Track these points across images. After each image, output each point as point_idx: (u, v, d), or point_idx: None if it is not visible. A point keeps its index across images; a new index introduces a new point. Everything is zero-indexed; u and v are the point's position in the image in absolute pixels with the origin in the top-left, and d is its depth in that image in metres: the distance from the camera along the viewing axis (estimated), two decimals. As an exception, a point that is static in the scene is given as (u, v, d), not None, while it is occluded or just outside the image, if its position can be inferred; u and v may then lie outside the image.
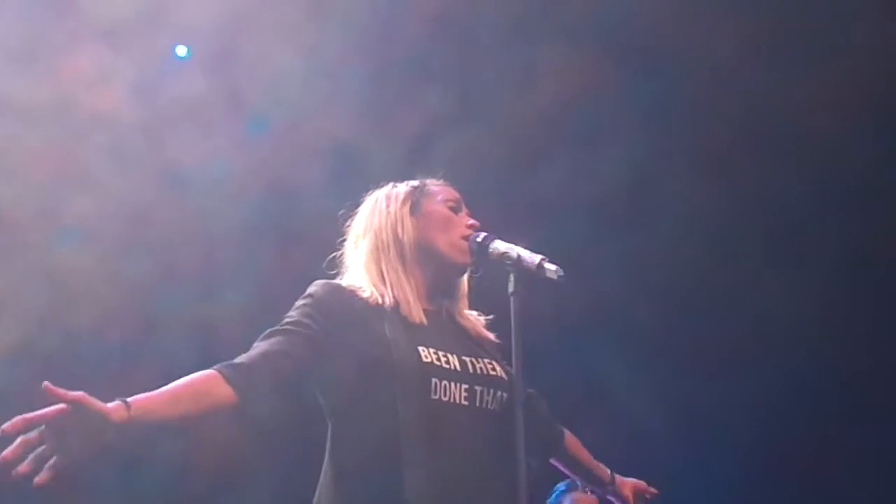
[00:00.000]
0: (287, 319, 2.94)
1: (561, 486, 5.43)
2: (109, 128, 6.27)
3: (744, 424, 7.03)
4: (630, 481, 3.53)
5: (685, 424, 6.99)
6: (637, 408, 6.73)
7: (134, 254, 6.43)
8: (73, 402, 2.48)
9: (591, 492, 5.38)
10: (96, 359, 6.49)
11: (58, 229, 6.32)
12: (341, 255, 3.20)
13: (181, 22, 6.27)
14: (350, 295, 3.00)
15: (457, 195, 3.20)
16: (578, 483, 5.35)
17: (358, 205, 3.22)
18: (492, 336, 3.17)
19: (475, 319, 3.18)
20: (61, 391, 2.47)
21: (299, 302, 2.98)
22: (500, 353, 3.13)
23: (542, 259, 2.93)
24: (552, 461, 3.41)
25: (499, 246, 3.00)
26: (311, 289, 3.01)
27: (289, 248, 6.47)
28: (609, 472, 3.49)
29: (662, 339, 6.93)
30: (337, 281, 3.10)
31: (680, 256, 6.78)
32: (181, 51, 6.48)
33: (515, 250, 2.96)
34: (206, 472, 6.68)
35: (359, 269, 3.08)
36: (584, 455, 3.46)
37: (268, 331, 2.92)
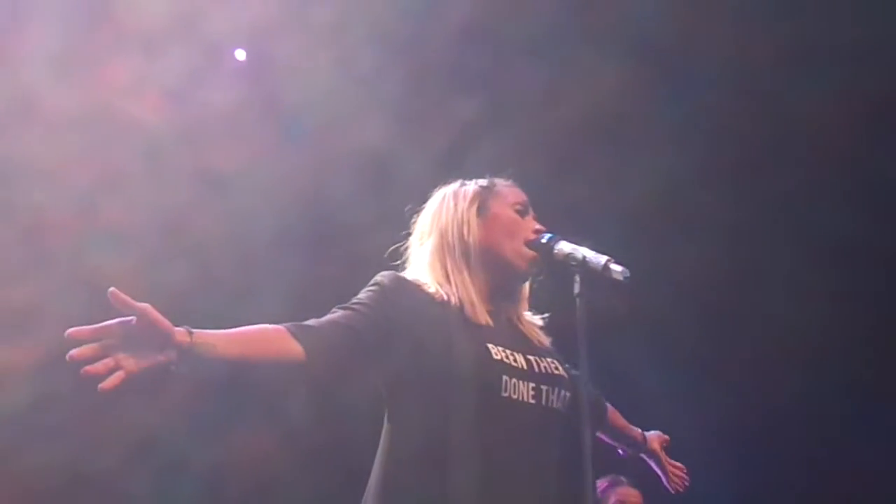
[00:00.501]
0: (355, 301, 2.93)
1: (603, 482, 5.43)
2: (146, 134, 6.30)
3: (773, 430, 7.00)
4: (654, 436, 3.65)
5: (714, 429, 6.97)
6: (666, 412, 6.71)
7: (170, 260, 6.46)
8: (140, 313, 2.46)
9: (630, 484, 5.41)
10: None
11: (94, 235, 6.34)
12: (405, 247, 3.20)
13: (218, 28, 6.30)
14: (416, 288, 3.02)
15: (524, 197, 3.19)
16: (623, 478, 5.39)
17: (425, 200, 3.22)
18: (547, 339, 3.18)
19: (533, 322, 3.19)
20: (129, 299, 2.47)
21: (367, 289, 2.97)
22: (559, 354, 3.15)
23: (609, 260, 2.93)
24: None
25: (564, 247, 3.00)
26: (379, 278, 3.01)
27: (323, 255, 6.50)
28: (641, 432, 3.59)
29: (693, 345, 6.91)
30: (403, 274, 3.10)
31: (712, 264, 6.76)
32: (240, 55, 6.49)
33: (581, 251, 2.96)
34: (240, 479, 6.70)
35: (423, 267, 3.09)
36: (622, 423, 3.54)
37: (336, 307, 2.91)
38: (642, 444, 3.60)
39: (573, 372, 3.04)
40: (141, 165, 6.35)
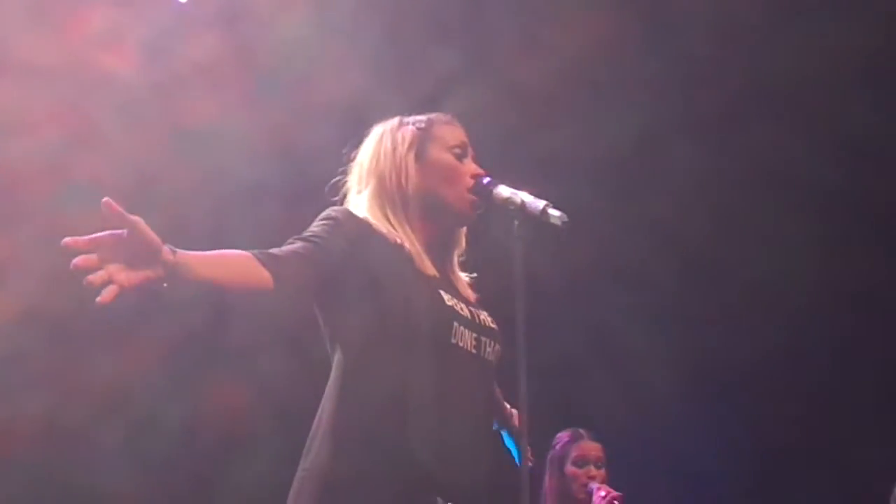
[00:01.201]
0: (310, 233, 2.88)
1: (564, 435, 5.43)
2: (119, 87, 6.25)
3: (747, 381, 7.02)
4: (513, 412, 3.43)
5: (690, 380, 6.98)
6: (643, 363, 6.73)
7: (142, 213, 6.39)
8: (131, 225, 2.47)
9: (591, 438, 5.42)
10: (104, 320, 6.47)
11: (66, 189, 6.29)
12: (344, 184, 3.16)
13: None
14: (369, 226, 2.97)
15: (463, 137, 3.14)
16: (583, 431, 5.39)
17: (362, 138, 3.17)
18: (472, 286, 3.15)
19: (462, 276, 3.16)
20: (122, 211, 2.47)
21: (320, 221, 2.93)
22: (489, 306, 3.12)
23: (547, 205, 2.91)
24: None
25: (502, 191, 2.98)
26: (332, 212, 2.97)
27: (298, 209, 6.43)
28: (509, 408, 3.40)
29: (670, 296, 6.92)
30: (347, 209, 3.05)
31: (688, 215, 6.76)
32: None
33: (520, 195, 2.95)
34: (212, 433, 6.69)
35: (364, 214, 3.03)
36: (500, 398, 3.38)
37: (292, 238, 2.87)
38: (510, 421, 3.40)
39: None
40: (114, 118, 6.30)
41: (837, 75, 6.33)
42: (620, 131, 6.36)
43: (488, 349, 2.98)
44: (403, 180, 3.02)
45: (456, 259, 3.15)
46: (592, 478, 5.31)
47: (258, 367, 6.64)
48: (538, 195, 2.97)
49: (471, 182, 3.04)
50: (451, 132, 3.14)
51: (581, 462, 5.34)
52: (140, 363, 6.39)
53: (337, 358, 2.91)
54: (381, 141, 3.11)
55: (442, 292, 2.92)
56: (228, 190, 6.61)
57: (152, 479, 6.53)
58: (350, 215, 2.98)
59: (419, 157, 3.05)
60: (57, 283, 6.27)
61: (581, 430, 5.45)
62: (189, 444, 6.64)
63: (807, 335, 6.88)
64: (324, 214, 2.95)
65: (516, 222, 2.90)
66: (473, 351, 2.93)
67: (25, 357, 6.28)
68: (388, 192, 3.03)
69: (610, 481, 5.27)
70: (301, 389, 6.64)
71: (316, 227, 2.90)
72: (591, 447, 5.40)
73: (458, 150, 3.10)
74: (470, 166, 3.08)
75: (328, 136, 6.21)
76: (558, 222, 2.88)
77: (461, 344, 2.90)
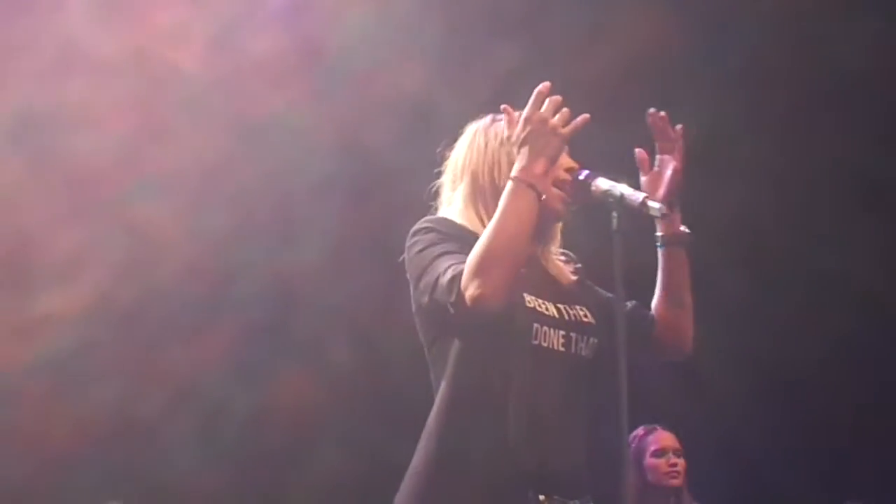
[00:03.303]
0: (444, 248, 2.91)
1: (640, 430, 5.46)
2: (187, 81, 6.31)
3: (820, 388, 6.97)
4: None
5: (759, 377, 6.95)
6: (709, 361, 6.71)
7: (211, 207, 6.48)
8: None
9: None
10: (174, 312, 6.56)
11: (136, 183, 6.38)
12: (437, 188, 3.16)
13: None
14: (464, 231, 2.98)
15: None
16: (657, 426, 5.41)
17: (456, 138, 3.16)
18: (576, 280, 3.13)
19: (563, 265, 3.15)
20: None
21: (428, 236, 2.95)
22: (593, 297, 3.12)
23: (647, 197, 2.90)
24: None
25: (601, 184, 2.95)
26: (430, 224, 2.99)
27: (363, 202, 6.51)
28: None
29: (737, 293, 6.88)
30: (446, 217, 3.06)
31: (756, 211, 6.73)
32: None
33: (618, 188, 2.92)
34: (282, 424, 6.75)
35: (457, 212, 3.05)
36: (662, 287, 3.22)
37: (447, 258, 2.89)
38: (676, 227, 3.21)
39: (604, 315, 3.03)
40: (182, 112, 6.37)
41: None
42: (684, 128, 6.33)
43: (581, 345, 2.98)
44: (496, 175, 3.01)
45: (553, 249, 3.13)
46: (673, 465, 5.34)
47: (327, 359, 6.69)
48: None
49: (564, 175, 3.01)
50: None
51: (660, 452, 5.39)
52: (210, 354, 6.45)
53: (441, 361, 2.95)
54: (474, 138, 3.09)
55: (525, 294, 2.93)
56: (294, 184, 6.66)
57: (222, 471, 6.59)
58: (446, 223, 3.00)
59: (512, 152, 3.00)
60: (128, 275, 6.40)
61: (655, 425, 5.49)
62: (259, 436, 6.70)
63: (874, 330, 6.83)
64: (423, 229, 2.98)
65: (615, 214, 2.88)
66: (562, 349, 2.94)
67: (97, 349, 6.37)
68: (482, 188, 3.02)
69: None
70: (368, 382, 6.75)
71: (436, 245, 2.93)
72: (668, 437, 5.45)
73: None
74: (565, 159, 3.03)
75: (392, 130, 6.31)
76: (658, 214, 2.89)
77: (545, 344, 2.91)
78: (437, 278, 2.84)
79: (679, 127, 3.21)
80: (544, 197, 2.91)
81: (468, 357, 2.89)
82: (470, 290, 2.76)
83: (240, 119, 6.44)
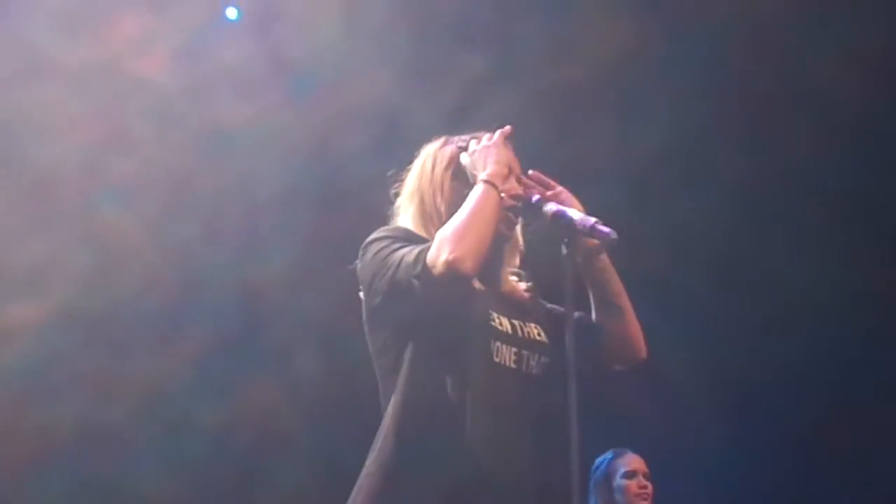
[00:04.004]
0: (402, 245, 2.93)
1: (609, 454, 5.48)
2: (153, 90, 6.30)
3: (783, 393, 7.01)
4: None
5: (723, 391, 6.98)
6: (676, 373, 6.72)
7: (177, 217, 6.47)
8: None
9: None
10: (139, 322, 6.54)
11: (101, 192, 6.36)
12: (395, 207, 3.17)
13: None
14: (420, 239, 2.99)
15: (511, 156, 3.09)
16: (627, 449, 5.44)
17: (412, 160, 3.19)
18: (529, 296, 3.15)
19: (516, 283, 3.16)
20: None
21: (384, 241, 2.96)
22: (544, 315, 3.13)
23: (596, 222, 2.91)
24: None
25: (551, 207, 2.99)
26: (386, 233, 3.01)
27: (331, 211, 6.50)
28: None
29: (703, 305, 6.91)
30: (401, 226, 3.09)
31: (722, 223, 6.76)
32: (231, 13, 6.49)
33: (569, 213, 2.95)
34: (247, 433, 6.74)
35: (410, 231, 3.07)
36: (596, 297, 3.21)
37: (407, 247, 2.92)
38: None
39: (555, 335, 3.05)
40: (149, 121, 6.36)
41: (870, 80, 6.31)
42: (649, 137, 6.37)
43: (532, 363, 2.99)
44: (439, 198, 3.05)
45: (507, 270, 3.15)
46: (644, 487, 5.35)
47: (293, 368, 6.68)
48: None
49: (508, 202, 3.00)
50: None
51: (632, 474, 5.40)
52: (176, 364, 6.44)
53: (393, 367, 2.95)
54: (424, 161, 3.14)
55: (491, 311, 2.96)
56: (261, 193, 6.66)
57: (187, 480, 6.58)
58: (407, 232, 3.02)
59: (456, 175, 3.06)
60: (93, 284, 6.37)
61: (625, 449, 5.51)
62: (224, 445, 6.68)
63: (833, 339, 6.86)
64: (387, 236, 3.00)
65: (566, 240, 2.91)
66: (513, 366, 2.96)
67: (62, 358, 6.34)
68: (428, 211, 3.06)
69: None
70: (335, 390, 6.74)
71: (390, 247, 2.94)
72: (639, 460, 5.46)
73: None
74: (511, 185, 3.03)
75: (360, 139, 6.30)
76: (608, 237, 2.90)
77: (497, 359, 2.93)
78: (400, 260, 2.88)
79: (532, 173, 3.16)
80: (504, 196, 2.95)
81: (422, 362, 2.89)
82: (443, 256, 2.78)
83: (206, 128, 6.43)
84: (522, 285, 3.18)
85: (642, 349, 3.21)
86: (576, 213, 2.95)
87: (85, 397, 6.38)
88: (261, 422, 6.71)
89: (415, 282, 2.83)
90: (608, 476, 5.42)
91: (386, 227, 3.07)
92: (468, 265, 2.79)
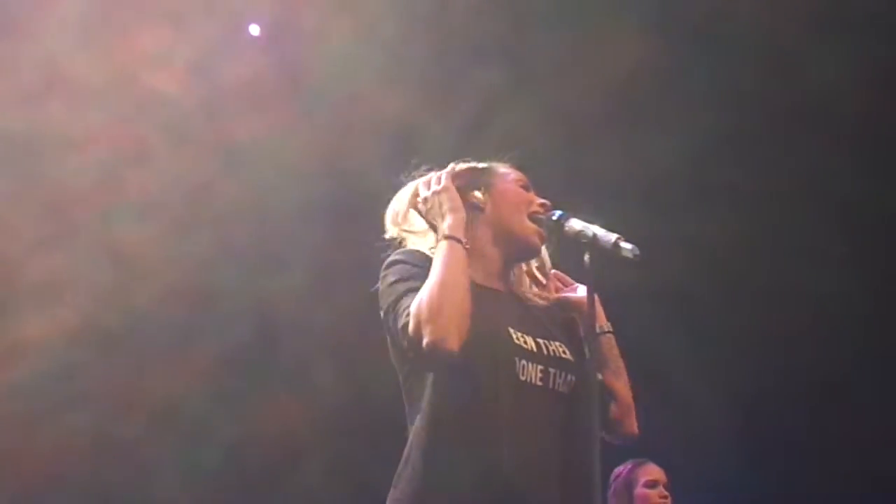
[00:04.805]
0: (409, 285, 2.92)
1: (628, 464, 5.46)
2: (169, 105, 6.32)
3: (797, 405, 7.00)
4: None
5: (733, 400, 6.98)
6: (691, 386, 6.72)
7: (193, 231, 6.49)
8: None
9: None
10: (156, 335, 6.56)
11: (119, 206, 6.38)
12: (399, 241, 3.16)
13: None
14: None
15: (524, 177, 3.17)
16: (647, 460, 5.42)
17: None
18: (551, 315, 3.15)
19: (540, 300, 3.18)
20: None
21: (398, 268, 2.97)
22: (567, 330, 3.14)
23: (618, 238, 2.92)
24: None
25: (574, 224, 3.00)
26: (401, 256, 3.01)
27: (345, 225, 6.52)
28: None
29: (714, 315, 6.91)
30: (418, 249, 3.08)
31: (733, 234, 6.76)
32: (254, 30, 6.52)
33: (591, 229, 2.96)
34: (263, 448, 6.75)
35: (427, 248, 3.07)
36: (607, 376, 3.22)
37: (405, 290, 2.91)
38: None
39: (580, 355, 3.05)
40: (165, 137, 6.38)
41: (883, 93, 6.31)
42: (663, 152, 6.37)
43: (558, 381, 2.99)
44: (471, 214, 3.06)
45: (530, 287, 3.18)
46: (664, 497, 5.35)
47: (309, 383, 6.69)
48: (586, 218, 3.01)
49: (538, 209, 3.07)
50: (513, 171, 3.18)
51: (653, 484, 5.38)
52: (192, 378, 6.45)
53: (418, 387, 2.95)
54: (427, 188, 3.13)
55: (511, 329, 2.96)
56: (276, 208, 6.68)
57: (203, 493, 6.59)
58: (422, 257, 3.01)
59: (485, 189, 3.10)
60: (110, 298, 6.40)
61: (645, 459, 5.50)
62: (240, 458, 6.70)
63: (848, 354, 6.86)
64: (400, 259, 3.01)
65: (587, 256, 2.92)
66: (540, 384, 2.95)
67: (77, 372, 6.36)
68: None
69: None
70: (351, 405, 6.75)
71: (410, 275, 2.95)
72: (660, 471, 5.44)
73: (522, 184, 3.15)
74: (535, 198, 3.11)
75: (374, 154, 6.32)
76: (630, 255, 2.89)
77: (523, 378, 2.92)
78: (397, 322, 2.88)
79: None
80: (468, 246, 2.96)
81: (446, 382, 2.87)
82: (425, 338, 2.78)
83: (222, 143, 6.46)
84: (545, 302, 3.19)
85: (635, 427, 3.20)
86: (599, 230, 2.95)
87: (102, 411, 6.41)
88: (277, 435, 6.72)
89: (408, 353, 2.85)
90: (629, 485, 5.40)
91: (403, 251, 3.06)
92: (450, 344, 2.78)
